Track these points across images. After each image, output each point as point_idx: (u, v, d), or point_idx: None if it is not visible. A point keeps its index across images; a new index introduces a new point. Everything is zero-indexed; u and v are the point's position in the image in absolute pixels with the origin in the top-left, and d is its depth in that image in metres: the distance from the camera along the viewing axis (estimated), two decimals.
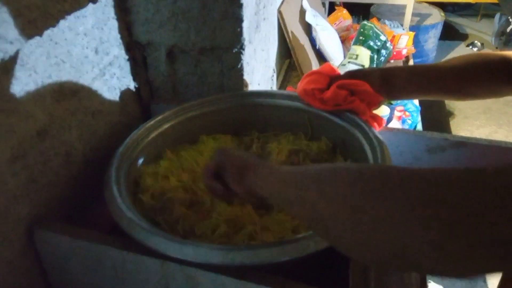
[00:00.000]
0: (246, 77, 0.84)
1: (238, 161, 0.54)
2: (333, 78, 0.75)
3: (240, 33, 0.76)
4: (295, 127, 0.78)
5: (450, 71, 0.75)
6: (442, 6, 3.77)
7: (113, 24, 0.73)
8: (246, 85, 0.84)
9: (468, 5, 4.27)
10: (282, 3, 2.13)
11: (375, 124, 0.73)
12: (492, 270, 0.33)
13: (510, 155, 0.74)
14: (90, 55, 0.68)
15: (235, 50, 0.78)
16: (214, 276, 0.51)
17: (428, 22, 3.27)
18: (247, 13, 0.77)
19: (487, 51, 3.87)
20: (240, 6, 0.73)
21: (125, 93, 0.79)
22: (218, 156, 0.57)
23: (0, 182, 0.54)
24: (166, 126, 0.74)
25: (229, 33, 0.76)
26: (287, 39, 2.12)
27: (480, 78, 0.73)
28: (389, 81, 0.74)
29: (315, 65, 2.42)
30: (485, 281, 1.71)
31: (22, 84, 0.55)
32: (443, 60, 0.80)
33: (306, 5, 2.38)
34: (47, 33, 0.58)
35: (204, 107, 0.77)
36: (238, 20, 0.74)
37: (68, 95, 0.64)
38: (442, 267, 0.33)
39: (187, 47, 0.79)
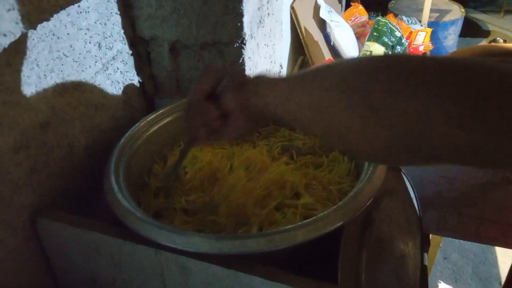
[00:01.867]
0: (248, 71, 0.85)
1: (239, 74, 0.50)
2: None
3: (241, 28, 0.77)
4: None
5: None
6: (463, 2, 3.69)
7: (117, 19, 0.75)
8: None
9: (491, 1, 4.18)
10: None
11: None
12: None
13: None
14: (93, 50, 0.70)
15: (236, 44, 0.79)
16: (205, 265, 0.53)
17: (447, 18, 3.20)
18: (248, 8, 0.77)
19: None
20: (241, 1, 0.73)
21: (128, 87, 0.81)
22: (213, 73, 0.50)
23: (3, 172, 0.56)
24: (167, 120, 0.76)
25: (230, 28, 0.77)
26: (300, 35, 2.12)
27: None
28: None
29: None
30: (500, 283, 1.68)
31: (25, 77, 0.57)
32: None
33: (320, 1, 2.37)
34: (49, 28, 0.60)
35: None
36: (238, 15, 0.75)
37: (71, 89, 0.66)
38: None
39: (189, 42, 0.80)
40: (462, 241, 1.42)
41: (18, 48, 0.55)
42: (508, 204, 0.80)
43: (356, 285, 0.52)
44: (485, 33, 4.07)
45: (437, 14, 3.22)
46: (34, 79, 0.59)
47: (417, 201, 0.77)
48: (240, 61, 0.81)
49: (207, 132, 0.52)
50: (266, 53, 0.98)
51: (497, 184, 0.79)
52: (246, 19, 0.77)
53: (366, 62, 0.38)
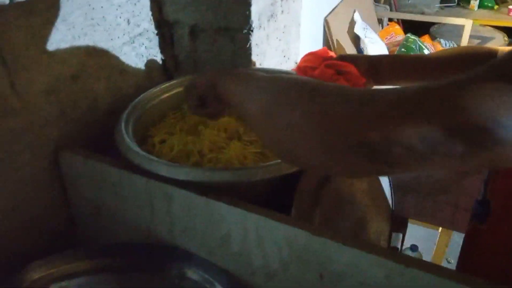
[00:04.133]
0: (255, 58, 0.97)
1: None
2: (326, 59, 0.85)
3: (249, 16, 0.89)
4: None
5: (436, 61, 0.82)
6: (509, 32, 3.66)
7: (146, 2, 0.90)
8: (255, 66, 0.97)
9: None
10: (330, 12, 2.25)
11: None
12: (361, 170, 0.42)
13: None
14: (122, 24, 0.85)
15: (244, 31, 0.91)
16: (184, 193, 0.64)
17: (489, 45, 3.20)
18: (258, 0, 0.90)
19: None
20: None
21: (151, 62, 0.95)
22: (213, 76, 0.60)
23: (37, 107, 0.71)
24: (178, 90, 0.89)
25: (240, 15, 0.89)
26: (332, 48, 2.22)
27: (464, 70, 0.80)
28: (374, 67, 0.83)
29: None
30: None
31: (62, 34, 0.72)
32: None
33: (357, 17, 2.47)
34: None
35: None
36: (247, 4, 0.88)
37: (100, 52, 0.81)
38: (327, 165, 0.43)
39: (205, 26, 0.94)
40: None
41: (58, 11, 0.70)
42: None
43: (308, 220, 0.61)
44: None
45: (479, 41, 3.22)
46: (69, 38, 0.74)
47: (389, 180, 0.85)
48: (248, 46, 0.94)
49: (195, 108, 0.67)
50: (278, 46, 1.10)
51: (470, 173, 0.85)
52: (254, 9, 0.89)
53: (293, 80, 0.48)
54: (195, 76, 0.67)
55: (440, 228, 1.49)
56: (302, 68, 0.85)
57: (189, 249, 0.67)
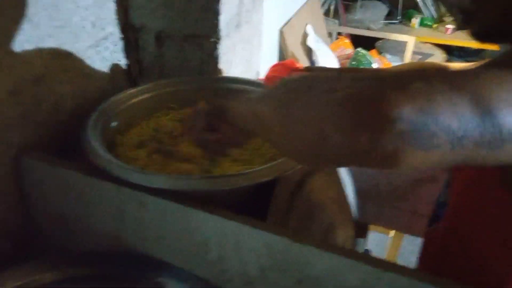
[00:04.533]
0: (222, 66, 0.97)
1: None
2: (293, 70, 0.88)
3: (217, 25, 0.90)
4: None
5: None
6: (449, 50, 3.92)
7: (111, 5, 0.88)
8: (222, 74, 0.98)
9: (475, 52, 4.41)
10: (285, 24, 2.30)
11: None
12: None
13: None
14: (87, 27, 0.82)
15: (212, 39, 0.92)
16: (159, 201, 0.63)
17: (429, 61, 3.41)
18: (226, 8, 0.90)
19: None
20: (218, 1, 0.87)
21: (115, 66, 0.93)
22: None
23: None
24: (145, 96, 0.87)
25: (208, 23, 0.90)
26: (286, 58, 2.27)
27: None
28: None
29: None
30: None
31: (27, 35, 0.69)
32: None
33: (309, 30, 2.54)
34: (53, 0, 0.72)
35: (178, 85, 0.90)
36: (216, 13, 0.88)
37: (64, 55, 0.78)
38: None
39: (173, 33, 0.93)
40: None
41: (23, 10, 0.67)
42: (434, 200, 0.92)
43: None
44: None
45: (420, 57, 3.42)
46: (35, 39, 0.71)
47: (354, 188, 0.88)
48: (215, 55, 0.94)
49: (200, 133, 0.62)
50: (242, 56, 1.11)
51: (425, 181, 0.90)
52: (222, 18, 0.90)
53: None
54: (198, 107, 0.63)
55: (392, 233, 1.56)
56: (271, 77, 0.86)
57: (163, 258, 0.66)
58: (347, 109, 0.38)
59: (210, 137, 0.61)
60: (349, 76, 0.41)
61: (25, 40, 0.69)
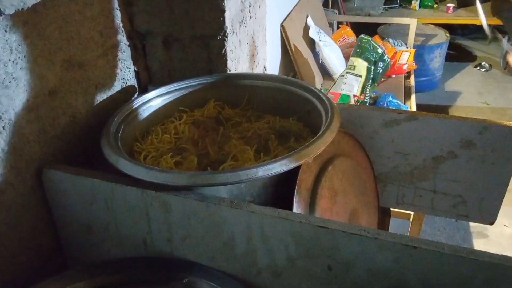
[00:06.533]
0: (230, 63, 0.97)
1: None
2: None
3: (223, 22, 0.90)
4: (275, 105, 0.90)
5: None
6: (451, 29, 3.89)
7: (117, 13, 0.88)
8: (230, 71, 0.98)
9: (478, 28, 4.37)
10: (285, 18, 2.30)
11: None
12: None
13: (451, 126, 0.85)
14: (95, 37, 0.83)
15: (219, 37, 0.92)
16: (183, 200, 0.63)
17: (433, 42, 3.39)
18: (230, 5, 0.91)
19: (494, 72, 3.95)
20: None
21: (125, 74, 0.93)
22: None
23: (18, 126, 0.68)
24: (157, 101, 0.88)
25: (214, 22, 0.90)
26: (290, 53, 2.27)
27: None
28: None
29: (318, 79, 2.56)
30: None
31: (39, 50, 0.70)
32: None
33: (310, 22, 2.54)
34: (61, 13, 0.73)
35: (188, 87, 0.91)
36: (220, 10, 0.88)
37: (76, 66, 0.79)
38: None
39: (179, 35, 0.94)
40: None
41: (34, 25, 0.68)
42: (455, 177, 0.91)
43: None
44: (472, 58, 4.25)
45: (423, 38, 3.40)
46: (46, 53, 0.72)
47: (373, 171, 0.88)
48: (223, 52, 0.94)
49: None
50: (248, 52, 1.11)
51: (445, 158, 0.90)
52: (227, 15, 0.90)
53: None
54: None
55: (412, 217, 1.55)
56: None
57: (190, 257, 0.66)
58: None
59: None
60: None
61: (37, 55, 0.70)
